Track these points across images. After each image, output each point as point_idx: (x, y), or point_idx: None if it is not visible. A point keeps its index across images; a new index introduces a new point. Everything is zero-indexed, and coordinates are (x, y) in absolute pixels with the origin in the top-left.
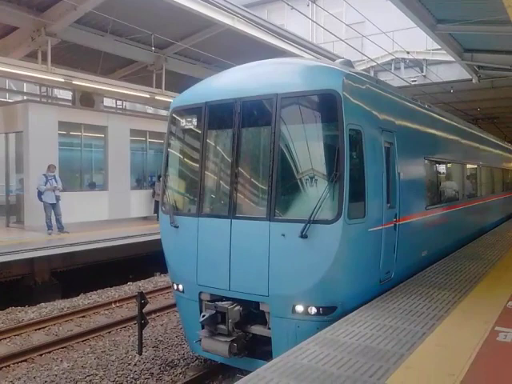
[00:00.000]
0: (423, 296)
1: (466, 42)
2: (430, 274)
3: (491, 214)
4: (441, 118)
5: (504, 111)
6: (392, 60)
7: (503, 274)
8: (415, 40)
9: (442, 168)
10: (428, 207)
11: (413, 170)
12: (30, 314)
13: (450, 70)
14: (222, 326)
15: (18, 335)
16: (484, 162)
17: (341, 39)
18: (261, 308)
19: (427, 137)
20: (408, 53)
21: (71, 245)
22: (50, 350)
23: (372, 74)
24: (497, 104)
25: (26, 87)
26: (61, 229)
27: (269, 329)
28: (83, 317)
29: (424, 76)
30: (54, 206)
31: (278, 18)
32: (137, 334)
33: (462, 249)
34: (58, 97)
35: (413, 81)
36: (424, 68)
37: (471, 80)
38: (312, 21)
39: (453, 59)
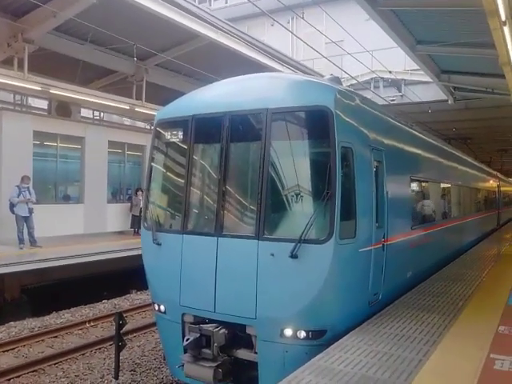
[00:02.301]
0: (413, 319)
1: (444, 64)
2: (417, 295)
3: (470, 233)
4: (425, 138)
5: (477, 132)
6: (371, 79)
7: (486, 297)
8: (393, 60)
9: (426, 188)
10: (413, 227)
11: (400, 189)
12: None
13: (427, 91)
14: (206, 351)
15: None
16: (463, 183)
17: (323, 56)
18: (247, 331)
19: (413, 156)
20: (390, 72)
21: (43, 260)
22: (19, 374)
23: None
24: (470, 125)
25: None
26: (33, 243)
27: (255, 353)
28: (55, 337)
29: (402, 96)
30: (26, 219)
31: (258, 34)
32: (113, 356)
33: (444, 269)
34: (33, 105)
35: (391, 100)
36: (402, 88)
37: (447, 101)
38: (294, 35)
39: (429, 80)
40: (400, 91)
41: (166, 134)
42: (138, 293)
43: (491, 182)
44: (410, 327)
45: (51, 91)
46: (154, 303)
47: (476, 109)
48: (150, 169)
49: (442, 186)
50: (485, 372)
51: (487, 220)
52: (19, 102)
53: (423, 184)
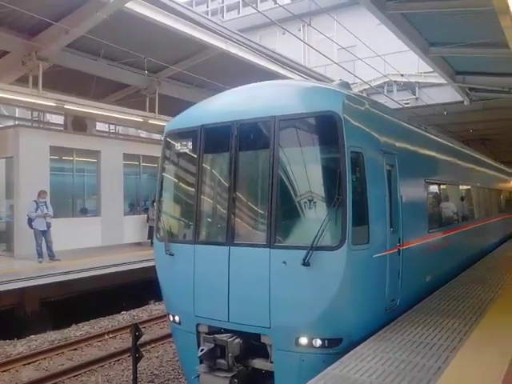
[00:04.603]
0: (432, 325)
1: (458, 65)
2: (436, 300)
3: (492, 236)
4: (439, 140)
5: (495, 132)
6: (384, 83)
7: (509, 301)
8: (407, 63)
9: (442, 190)
10: (430, 230)
11: (414, 192)
12: (18, 347)
13: (442, 93)
14: (221, 361)
15: (5, 371)
16: (482, 184)
17: (334, 62)
18: (262, 340)
19: (427, 159)
20: (402, 75)
21: (62, 273)
22: None
23: None
24: (488, 126)
25: (17, 112)
26: (52, 256)
27: (271, 362)
28: (75, 349)
29: (416, 98)
30: (44, 233)
31: (269, 43)
32: (131, 367)
33: (465, 272)
34: (51, 121)
35: (406, 103)
36: (416, 90)
37: (463, 102)
38: (304, 43)
39: (444, 82)
40: (414, 94)
41: (175, 144)
42: (157, 303)
43: None
44: (429, 333)
45: (66, 107)
46: (168, 314)
47: (493, 109)
48: (161, 180)
49: (460, 188)
50: (507, 379)
51: (509, 221)
52: (36, 119)
53: (439, 187)
